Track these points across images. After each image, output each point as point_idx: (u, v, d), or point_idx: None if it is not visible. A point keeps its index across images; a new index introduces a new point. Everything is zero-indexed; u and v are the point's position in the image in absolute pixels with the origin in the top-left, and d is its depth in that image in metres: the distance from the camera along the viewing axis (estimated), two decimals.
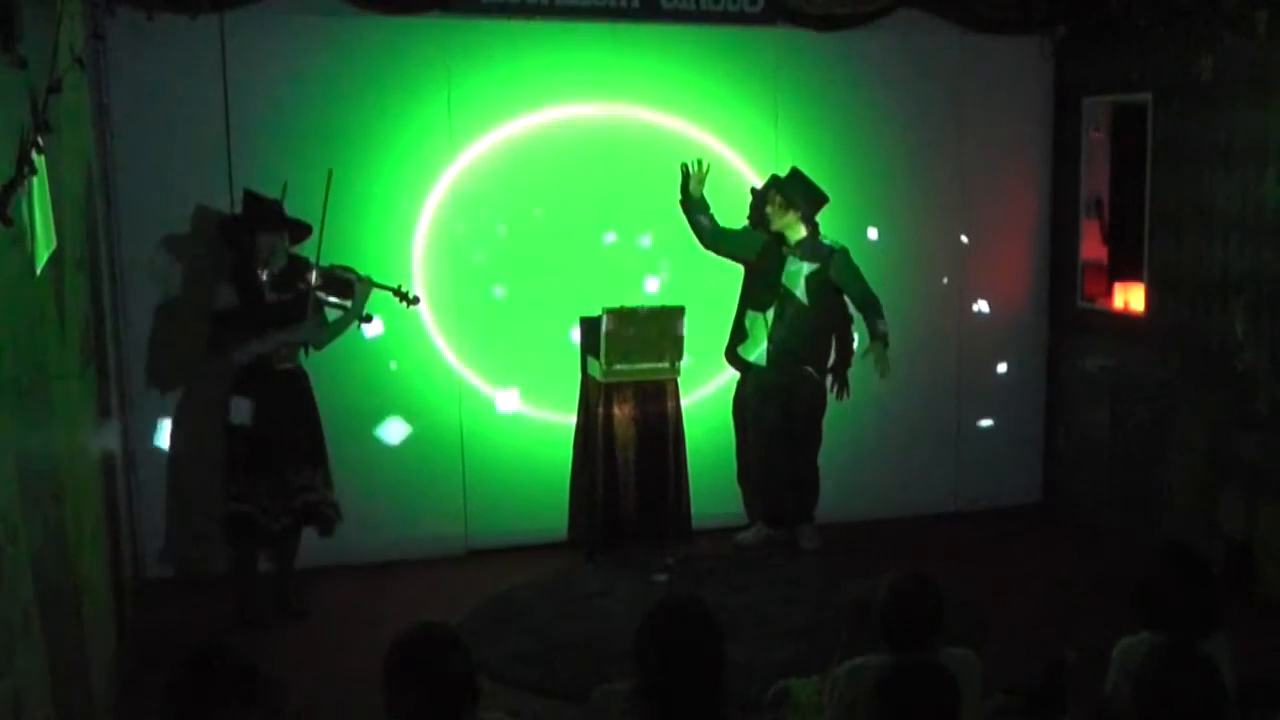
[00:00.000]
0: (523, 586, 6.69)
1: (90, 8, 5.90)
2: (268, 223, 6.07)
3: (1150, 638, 3.59)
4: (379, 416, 6.99)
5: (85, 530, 4.56)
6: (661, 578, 6.73)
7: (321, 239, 6.06)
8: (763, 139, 7.47)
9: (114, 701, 4.97)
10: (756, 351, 7.19)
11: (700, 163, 7.05)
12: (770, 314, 7.12)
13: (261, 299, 6.05)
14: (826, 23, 7.42)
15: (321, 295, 6.16)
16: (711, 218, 7.11)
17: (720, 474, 7.45)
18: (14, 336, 3.42)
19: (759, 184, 7.41)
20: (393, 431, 7.02)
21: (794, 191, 7.06)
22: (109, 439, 5.81)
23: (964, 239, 7.92)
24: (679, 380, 7.13)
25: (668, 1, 7.20)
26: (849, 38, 7.51)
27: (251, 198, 6.21)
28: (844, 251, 7.12)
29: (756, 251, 7.18)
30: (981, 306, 8.05)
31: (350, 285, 6.20)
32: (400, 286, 6.34)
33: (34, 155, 3.54)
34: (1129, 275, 7.61)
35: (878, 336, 6.96)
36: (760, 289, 7.18)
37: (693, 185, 7.06)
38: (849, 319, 7.28)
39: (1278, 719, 3.40)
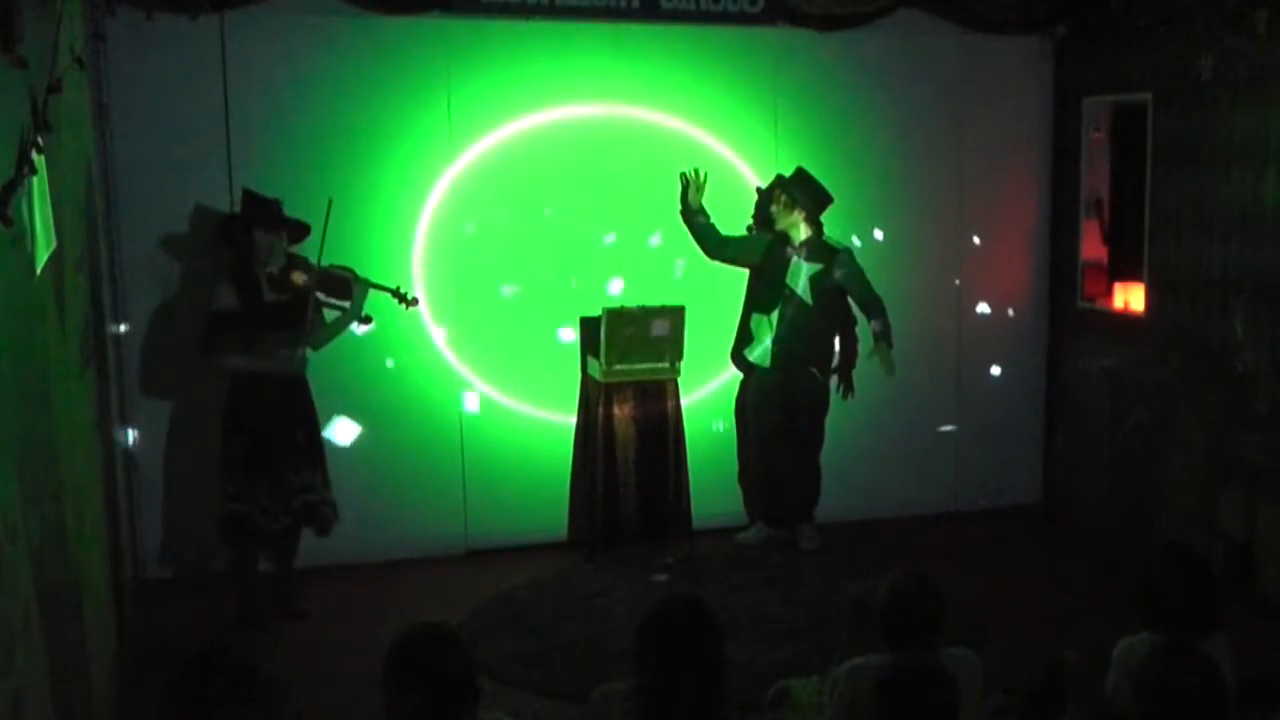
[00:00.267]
0: (523, 586, 6.69)
1: (90, 8, 5.90)
2: (266, 222, 6.06)
3: (1150, 638, 3.59)
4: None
5: (85, 530, 4.55)
6: (661, 578, 6.73)
7: (320, 262, 6.05)
8: (762, 139, 7.47)
9: (114, 701, 4.98)
10: (760, 351, 7.19)
11: (698, 172, 7.04)
12: (775, 315, 7.12)
13: (260, 299, 6.04)
14: (826, 23, 7.42)
15: (320, 296, 6.16)
16: (713, 226, 7.09)
17: (720, 474, 7.45)
18: (14, 336, 3.42)
19: (759, 184, 7.41)
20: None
21: (799, 191, 7.06)
22: (109, 439, 5.81)
23: (976, 240, 7.93)
24: (679, 380, 7.14)
25: (668, 2, 7.20)
26: (849, 38, 7.51)
27: (250, 197, 6.21)
28: (848, 252, 7.12)
29: (760, 255, 7.17)
30: (981, 307, 8.05)
31: (348, 285, 6.20)
32: (399, 287, 6.34)
33: (34, 155, 3.54)
34: (1129, 275, 7.61)
35: (881, 337, 6.97)
36: (765, 291, 7.18)
37: (692, 195, 7.03)
38: (852, 320, 7.27)
39: (1278, 719, 3.40)
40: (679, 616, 3.19)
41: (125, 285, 6.55)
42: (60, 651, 3.74)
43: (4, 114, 3.44)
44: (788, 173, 7.18)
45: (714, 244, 7.13)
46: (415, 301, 6.47)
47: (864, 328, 7.18)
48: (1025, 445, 8.21)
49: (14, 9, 3.46)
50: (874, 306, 7.04)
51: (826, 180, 7.14)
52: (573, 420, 7.26)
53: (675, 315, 6.99)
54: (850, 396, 7.32)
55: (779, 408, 7.14)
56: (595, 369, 7.03)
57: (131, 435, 6.57)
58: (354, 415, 6.85)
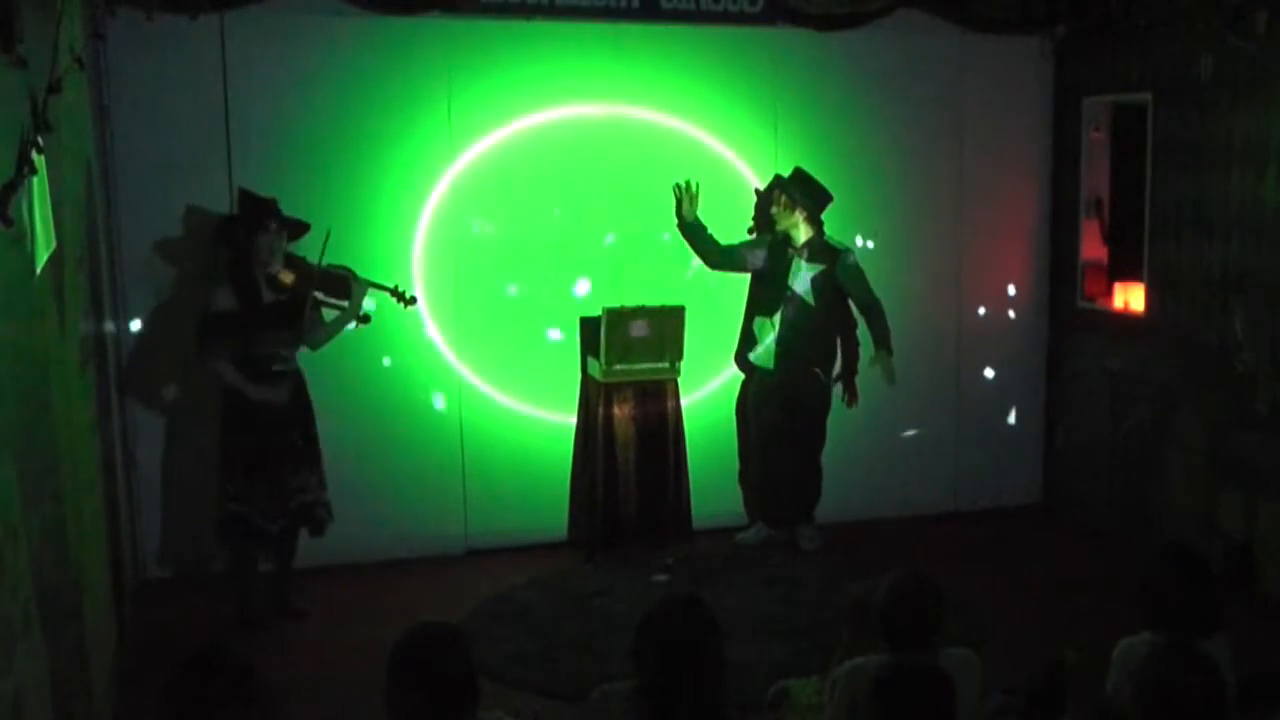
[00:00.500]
0: (523, 586, 6.69)
1: (90, 8, 5.90)
2: (268, 223, 6.06)
3: (1151, 638, 3.59)
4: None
5: (85, 530, 4.55)
6: (661, 578, 6.73)
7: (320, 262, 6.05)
8: (762, 139, 7.46)
9: (114, 701, 4.98)
10: (762, 352, 7.18)
11: (689, 184, 7.01)
12: (777, 318, 7.11)
13: (259, 300, 6.04)
14: (826, 23, 7.42)
15: (318, 295, 6.16)
16: (711, 237, 7.07)
17: (720, 474, 7.45)
18: (14, 336, 3.42)
19: (758, 184, 7.41)
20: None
21: (799, 191, 7.05)
22: (109, 439, 5.81)
23: (976, 240, 7.92)
24: (679, 380, 7.14)
25: (667, 2, 7.20)
26: (849, 38, 7.51)
27: (248, 197, 6.20)
28: (849, 253, 7.12)
29: (764, 258, 7.17)
30: (981, 307, 8.05)
31: (347, 285, 6.19)
32: (397, 286, 6.34)
33: (34, 155, 3.54)
34: (1129, 275, 7.61)
35: (882, 345, 6.97)
36: (766, 293, 7.17)
37: (685, 208, 7.00)
38: (854, 322, 7.24)
39: (1278, 719, 3.40)
40: (679, 616, 3.19)
41: (125, 285, 6.55)
42: (60, 651, 3.74)
43: (4, 114, 3.44)
44: (787, 172, 7.18)
45: (715, 256, 7.12)
46: (414, 300, 6.47)
47: (864, 330, 7.18)
48: (1025, 445, 8.21)
49: (14, 9, 3.45)
50: (873, 310, 7.04)
51: (826, 180, 7.14)
52: (573, 420, 7.25)
53: (671, 315, 6.98)
54: (855, 403, 7.31)
55: (779, 408, 7.13)
56: (595, 369, 7.03)
57: (131, 436, 6.56)
58: (354, 415, 6.85)
